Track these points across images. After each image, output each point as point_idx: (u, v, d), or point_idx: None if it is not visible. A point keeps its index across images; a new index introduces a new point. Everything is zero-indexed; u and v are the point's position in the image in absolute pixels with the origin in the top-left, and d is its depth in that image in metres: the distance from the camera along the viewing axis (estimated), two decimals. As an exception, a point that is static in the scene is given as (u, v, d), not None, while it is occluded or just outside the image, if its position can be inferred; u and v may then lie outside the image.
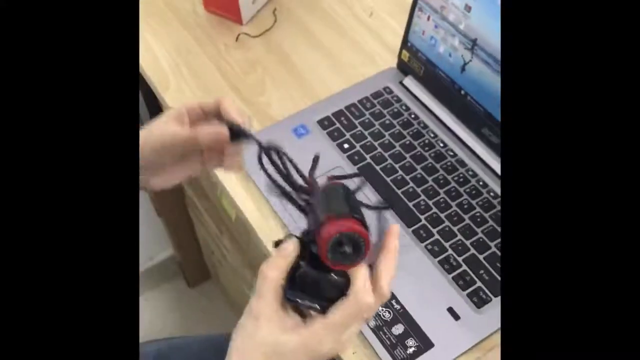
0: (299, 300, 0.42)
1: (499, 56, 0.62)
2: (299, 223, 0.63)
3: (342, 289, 0.41)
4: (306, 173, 0.47)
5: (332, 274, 0.41)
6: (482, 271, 0.59)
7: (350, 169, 0.68)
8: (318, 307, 0.42)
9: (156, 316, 1.36)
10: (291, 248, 0.42)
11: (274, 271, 0.42)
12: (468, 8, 0.64)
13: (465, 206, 0.64)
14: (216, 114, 0.50)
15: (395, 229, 0.44)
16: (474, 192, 0.65)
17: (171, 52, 0.81)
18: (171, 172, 0.52)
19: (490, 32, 0.63)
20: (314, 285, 0.41)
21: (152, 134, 0.49)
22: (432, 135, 0.70)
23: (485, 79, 0.65)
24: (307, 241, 0.42)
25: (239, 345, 0.42)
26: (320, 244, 0.39)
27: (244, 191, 0.67)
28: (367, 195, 0.65)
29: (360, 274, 0.41)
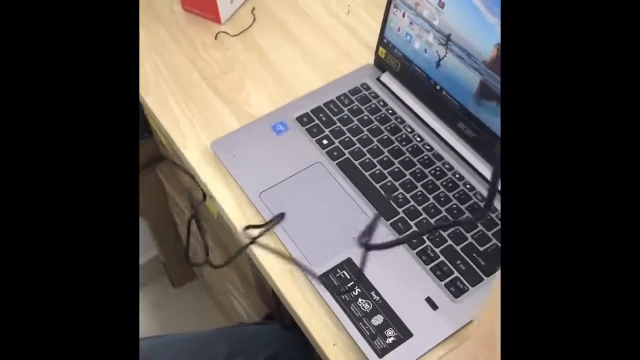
0: None
1: (472, 51, 0.64)
2: (281, 221, 0.64)
3: None
4: None
5: None
6: (459, 261, 0.60)
7: (329, 164, 0.68)
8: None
9: (142, 317, 1.36)
10: None
11: None
12: (442, 4, 0.65)
13: (442, 199, 0.65)
14: None
15: None
16: (450, 185, 0.66)
17: (150, 51, 0.81)
18: None
19: (464, 28, 0.64)
20: None
21: None
22: (409, 130, 0.71)
23: (460, 74, 0.66)
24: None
25: None
26: None
27: (226, 189, 0.68)
28: (345, 188, 0.66)
29: None
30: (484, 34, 0.62)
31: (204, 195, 0.56)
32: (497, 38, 0.60)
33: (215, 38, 0.83)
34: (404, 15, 0.71)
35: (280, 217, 0.60)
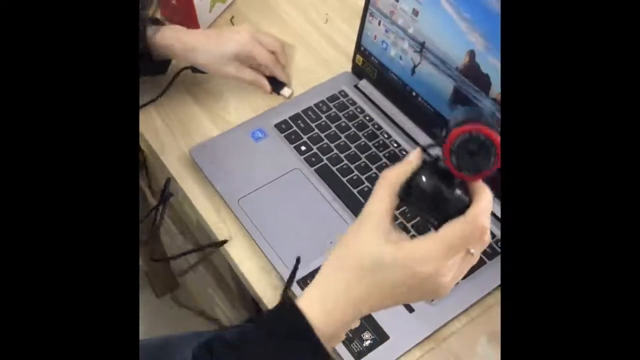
0: (415, 207, 0.38)
1: (445, 58, 0.65)
2: (260, 227, 0.64)
3: (461, 209, 0.37)
4: None
5: (453, 189, 0.37)
6: (434, 265, 0.61)
7: (307, 170, 0.69)
8: (431, 216, 0.38)
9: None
10: (414, 156, 0.39)
11: (393, 172, 0.39)
12: (416, 12, 0.67)
13: (418, 203, 0.66)
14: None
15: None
16: (426, 189, 0.67)
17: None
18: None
19: (437, 35, 0.65)
20: (431, 196, 0.38)
21: (211, 39, 0.72)
22: (386, 135, 0.72)
23: (434, 80, 0.67)
24: (428, 159, 0.39)
25: (336, 249, 0.39)
26: (446, 146, 0.35)
27: (204, 197, 0.68)
28: (323, 193, 0.67)
29: (486, 194, 0.37)
30: (456, 41, 0.63)
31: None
32: (468, 45, 0.62)
33: (194, 46, 0.83)
34: (379, 24, 0.72)
35: (297, 262, 0.60)
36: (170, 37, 0.71)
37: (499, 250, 0.62)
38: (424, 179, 0.38)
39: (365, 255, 0.38)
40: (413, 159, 0.39)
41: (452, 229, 0.37)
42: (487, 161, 0.35)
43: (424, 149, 0.39)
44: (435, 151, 0.39)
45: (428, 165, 0.38)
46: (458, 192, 0.38)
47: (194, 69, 0.77)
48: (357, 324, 0.42)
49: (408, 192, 0.38)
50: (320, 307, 0.39)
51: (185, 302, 1.36)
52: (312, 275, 0.60)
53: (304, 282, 0.60)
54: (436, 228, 0.38)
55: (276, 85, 0.77)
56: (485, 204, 0.38)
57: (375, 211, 0.39)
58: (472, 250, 0.38)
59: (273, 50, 0.76)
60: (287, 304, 0.40)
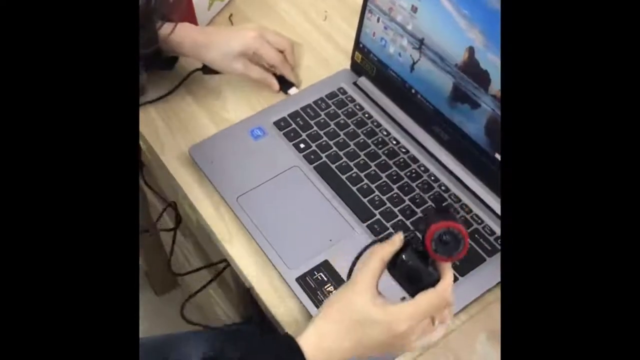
0: (398, 277, 0.49)
1: (444, 55, 0.65)
2: (259, 225, 0.64)
3: (432, 282, 0.48)
4: None
5: (427, 267, 0.48)
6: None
7: (306, 168, 0.69)
8: (409, 287, 0.49)
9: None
10: (398, 238, 0.49)
11: (382, 250, 0.49)
12: (414, 9, 0.66)
13: (417, 200, 0.66)
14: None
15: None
16: (425, 186, 0.67)
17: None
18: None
19: (436, 32, 0.65)
20: (410, 272, 0.48)
21: (221, 36, 0.74)
22: (385, 133, 0.72)
23: (433, 77, 0.67)
24: (409, 239, 0.50)
25: (333, 302, 0.49)
26: (427, 236, 0.46)
27: (203, 195, 0.68)
28: (322, 191, 0.67)
29: (450, 273, 0.48)
30: (455, 38, 0.63)
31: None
32: (468, 41, 0.61)
33: (193, 44, 0.83)
34: (378, 20, 0.72)
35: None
36: (181, 34, 0.71)
37: (499, 247, 0.62)
38: (405, 257, 0.49)
39: (358, 313, 0.48)
40: (397, 240, 0.49)
41: (426, 297, 0.47)
42: (458, 249, 0.46)
43: (405, 235, 0.50)
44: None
45: (409, 247, 0.49)
46: (431, 269, 0.48)
47: (205, 71, 0.77)
48: None
49: (393, 266, 0.49)
50: (315, 347, 0.48)
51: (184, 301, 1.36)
52: (310, 273, 0.60)
53: (303, 280, 0.60)
54: (412, 296, 0.48)
55: (284, 84, 0.77)
56: (450, 281, 0.48)
57: (367, 279, 0.48)
58: (437, 321, 0.49)
59: (282, 50, 0.76)
60: (290, 338, 0.48)
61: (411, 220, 0.64)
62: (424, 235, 0.46)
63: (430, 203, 0.66)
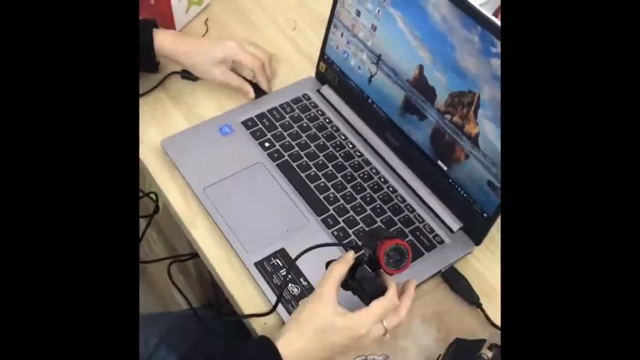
0: (355, 290, 0.57)
1: (398, 69, 0.72)
2: (223, 213, 0.70)
3: (381, 291, 0.56)
4: None
5: (377, 278, 0.57)
6: (378, 254, 0.68)
7: (269, 165, 0.76)
8: (363, 297, 0.57)
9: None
10: (351, 256, 0.57)
11: (339, 266, 0.57)
12: (374, 27, 0.74)
13: (368, 199, 0.73)
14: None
15: (414, 283, 0.60)
16: (376, 187, 0.74)
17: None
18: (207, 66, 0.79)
19: (392, 49, 0.73)
20: (364, 283, 0.57)
21: (204, 44, 0.80)
22: (343, 137, 0.79)
23: (388, 90, 0.75)
24: (360, 256, 0.58)
25: (298, 316, 0.56)
26: (380, 253, 0.56)
27: (173, 183, 0.74)
28: (282, 186, 0.74)
29: (393, 282, 0.57)
30: (408, 56, 0.70)
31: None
32: (418, 59, 0.69)
33: (170, 45, 0.89)
34: (342, 35, 0.79)
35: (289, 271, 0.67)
36: (171, 41, 0.79)
37: (436, 243, 0.70)
38: (359, 272, 0.57)
39: (321, 322, 0.55)
40: (350, 258, 0.57)
41: (379, 304, 0.56)
42: (404, 262, 0.57)
43: (356, 254, 0.58)
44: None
45: (361, 263, 0.57)
46: (379, 280, 0.57)
47: (184, 75, 0.83)
48: None
49: (349, 280, 0.57)
50: (289, 351, 0.55)
51: (146, 290, 1.40)
52: (267, 258, 0.67)
53: (261, 265, 0.66)
54: (367, 304, 0.56)
55: (258, 92, 0.83)
56: (393, 289, 0.57)
57: (328, 293, 0.56)
58: (385, 324, 0.56)
59: (260, 60, 0.82)
60: (268, 341, 0.55)
61: (361, 216, 0.71)
62: (376, 252, 0.56)
63: (378, 202, 0.73)
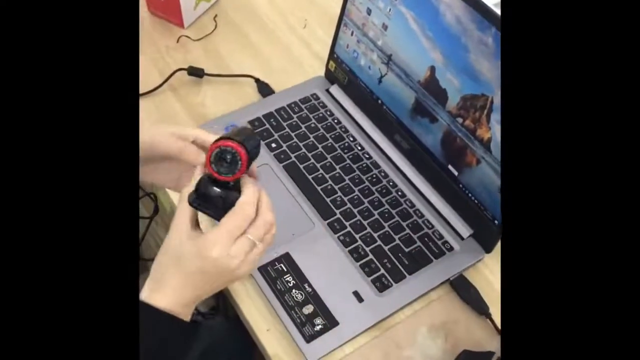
0: (199, 207, 0.50)
1: (409, 70, 0.70)
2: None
3: (232, 202, 0.49)
4: None
5: (224, 189, 0.50)
6: (385, 260, 0.66)
7: (276, 166, 0.74)
8: (213, 212, 0.50)
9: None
10: (197, 172, 0.51)
11: (185, 189, 0.51)
12: (385, 27, 0.72)
13: (376, 203, 0.71)
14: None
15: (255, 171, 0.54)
16: (384, 191, 0.72)
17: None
18: (154, 171, 0.59)
19: (403, 49, 0.71)
20: (206, 196, 0.50)
21: (147, 131, 0.56)
22: (351, 139, 0.77)
23: (398, 91, 0.73)
24: (205, 174, 0.51)
25: (158, 256, 0.51)
26: (207, 158, 0.48)
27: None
28: (289, 188, 0.72)
29: (247, 190, 0.50)
30: (419, 57, 0.68)
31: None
32: (430, 61, 0.67)
33: (178, 41, 0.88)
34: (352, 34, 0.77)
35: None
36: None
37: (445, 250, 0.68)
38: (202, 188, 0.50)
39: (171, 253, 0.50)
40: (197, 174, 0.51)
41: (227, 218, 0.49)
42: (237, 165, 0.49)
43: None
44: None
45: (204, 177, 0.51)
46: (228, 191, 0.50)
47: (190, 72, 0.81)
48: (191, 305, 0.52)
49: (196, 197, 0.51)
50: (155, 295, 0.50)
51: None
52: (272, 263, 0.65)
53: (264, 269, 0.65)
54: (218, 219, 0.50)
55: (265, 91, 0.81)
56: (249, 195, 0.50)
57: (178, 221, 0.51)
58: (249, 236, 0.50)
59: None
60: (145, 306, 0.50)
61: (368, 221, 0.70)
62: (206, 158, 0.49)
63: (386, 206, 0.71)
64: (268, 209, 0.52)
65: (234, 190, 0.51)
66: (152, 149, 0.56)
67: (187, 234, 0.50)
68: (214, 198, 0.50)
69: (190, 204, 0.50)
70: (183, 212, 0.51)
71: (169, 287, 0.50)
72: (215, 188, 0.50)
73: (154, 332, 0.49)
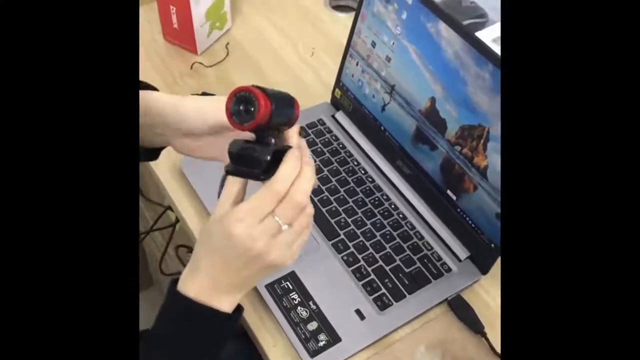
0: (234, 171, 0.46)
1: (411, 100, 0.75)
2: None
3: (270, 158, 0.44)
4: None
5: (261, 145, 0.45)
6: (386, 280, 0.70)
7: (283, 188, 0.78)
8: (250, 173, 0.45)
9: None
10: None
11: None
12: (388, 59, 0.76)
13: (378, 225, 0.75)
14: None
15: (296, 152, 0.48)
16: (386, 213, 0.76)
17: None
18: (196, 141, 0.56)
19: (405, 80, 0.75)
20: (244, 155, 0.45)
21: (192, 101, 0.53)
22: (355, 163, 0.81)
23: (400, 119, 0.77)
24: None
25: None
26: (227, 108, 0.44)
27: (190, 204, 0.76)
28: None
29: (284, 164, 0.45)
30: (420, 88, 0.73)
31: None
32: (431, 92, 0.71)
33: (191, 68, 0.92)
34: (357, 64, 0.82)
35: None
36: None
37: (444, 271, 0.71)
38: (230, 147, 0.46)
39: (204, 234, 0.48)
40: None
41: (256, 193, 0.45)
42: (254, 110, 0.43)
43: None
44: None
45: (234, 139, 0.46)
46: (263, 146, 0.45)
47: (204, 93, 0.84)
48: (235, 294, 0.50)
49: (228, 164, 0.46)
50: (188, 280, 0.49)
51: (159, 300, 1.43)
52: (278, 281, 0.69)
53: (271, 287, 0.68)
54: (261, 179, 0.46)
55: None
56: (284, 172, 0.45)
57: (219, 202, 0.47)
58: (275, 217, 0.45)
59: None
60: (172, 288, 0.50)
61: (370, 242, 0.73)
62: (225, 110, 0.44)
63: (388, 228, 0.75)
64: (300, 190, 0.45)
65: (271, 146, 0.45)
66: (199, 119, 0.52)
67: (222, 213, 0.46)
68: (246, 153, 0.44)
69: (226, 172, 0.46)
70: (224, 192, 0.47)
71: (201, 270, 0.48)
72: (246, 143, 0.45)
73: (183, 321, 0.48)
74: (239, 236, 0.45)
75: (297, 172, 0.46)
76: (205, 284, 0.48)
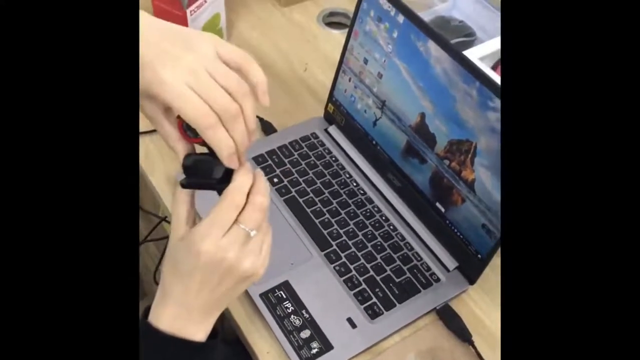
0: (191, 184, 0.47)
1: (401, 115, 0.77)
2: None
3: (226, 170, 0.46)
4: None
5: (217, 157, 0.46)
6: (377, 289, 0.72)
7: (277, 199, 0.80)
8: (207, 185, 0.46)
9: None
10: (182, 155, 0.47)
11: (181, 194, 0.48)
12: (380, 75, 0.79)
13: (369, 236, 0.77)
14: None
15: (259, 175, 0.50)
16: (377, 224, 0.78)
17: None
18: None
19: (396, 96, 0.77)
20: (203, 168, 0.47)
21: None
22: (347, 176, 0.84)
23: (391, 133, 0.80)
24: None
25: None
26: (179, 120, 0.46)
27: (185, 214, 0.78)
28: (288, 221, 0.78)
29: (236, 176, 0.46)
30: (411, 104, 0.75)
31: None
32: (421, 108, 0.74)
33: (188, 81, 0.94)
34: (350, 80, 0.84)
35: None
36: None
37: (432, 281, 0.74)
38: (185, 161, 0.48)
39: (168, 259, 0.47)
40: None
41: (215, 207, 0.45)
42: None
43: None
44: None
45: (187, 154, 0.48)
46: (219, 172, 0.47)
47: None
48: (210, 315, 0.49)
49: (184, 179, 0.47)
50: (159, 310, 0.48)
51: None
52: (272, 290, 0.71)
53: (265, 296, 0.70)
54: (217, 189, 0.47)
55: (268, 130, 0.86)
56: (240, 179, 0.46)
57: (172, 225, 0.48)
58: (241, 225, 0.45)
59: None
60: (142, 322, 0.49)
61: (362, 252, 0.75)
62: (177, 120, 0.46)
63: (379, 239, 0.77)
64: (259, 193, 0.47)
65: (226, 177, 0.47)
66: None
67: (181, 234, 0.46)
68: (201, 165, 0.46)
69: (182, 185, 0.47)
70: (176, 212, 0.47)
71: (171, 297, 0.47)
72: (199, 156, 0.46)
73: (155, 354, 0.46)
74: (208, 252, 0.45)
75: (251, 177, 0.47)
76: (177, 313, 0.47)
